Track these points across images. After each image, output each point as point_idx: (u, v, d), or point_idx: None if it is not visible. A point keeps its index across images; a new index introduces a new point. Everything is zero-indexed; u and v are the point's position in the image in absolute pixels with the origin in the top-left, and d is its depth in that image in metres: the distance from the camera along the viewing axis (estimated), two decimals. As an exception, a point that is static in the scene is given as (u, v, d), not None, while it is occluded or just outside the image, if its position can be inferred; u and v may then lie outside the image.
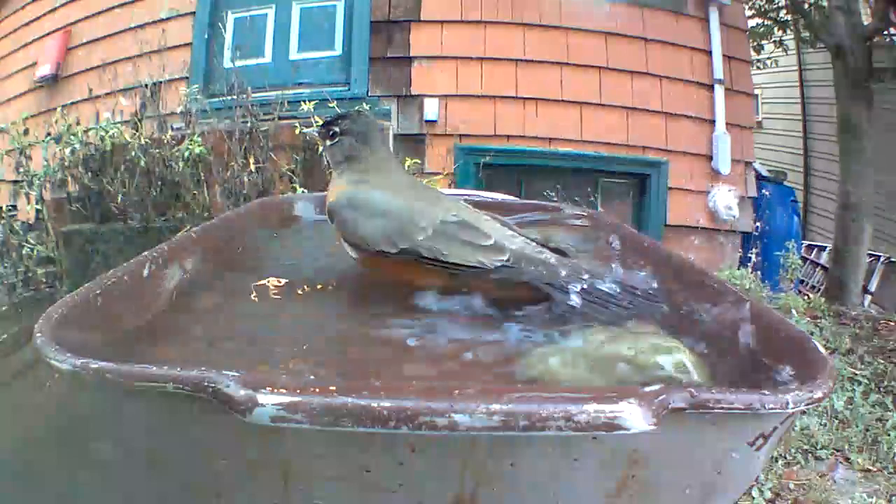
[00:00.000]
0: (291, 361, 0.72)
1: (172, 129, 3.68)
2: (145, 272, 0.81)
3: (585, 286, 0.80)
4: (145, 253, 0.83)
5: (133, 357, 0.59)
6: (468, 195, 1.67)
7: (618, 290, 0.81)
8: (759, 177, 4.70)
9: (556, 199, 3.88)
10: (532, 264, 0.82)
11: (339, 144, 0.96)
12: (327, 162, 0.99)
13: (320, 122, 1.01)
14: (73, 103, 4.30)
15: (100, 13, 4.57)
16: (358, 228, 0.88)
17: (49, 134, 3.72)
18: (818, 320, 3.65)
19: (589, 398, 0.48)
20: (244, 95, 3.57)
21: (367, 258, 0.88)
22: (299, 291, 0.93)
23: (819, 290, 5.61)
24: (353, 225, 0.88)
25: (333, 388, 0.49)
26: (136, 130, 3.59)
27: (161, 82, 4.00)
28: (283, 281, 0.96)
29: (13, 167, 3.72)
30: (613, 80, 4.28)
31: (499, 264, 0.81)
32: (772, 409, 0.51)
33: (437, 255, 0.83)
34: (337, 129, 0.96)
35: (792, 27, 6.57)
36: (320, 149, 1.03)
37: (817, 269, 6.33)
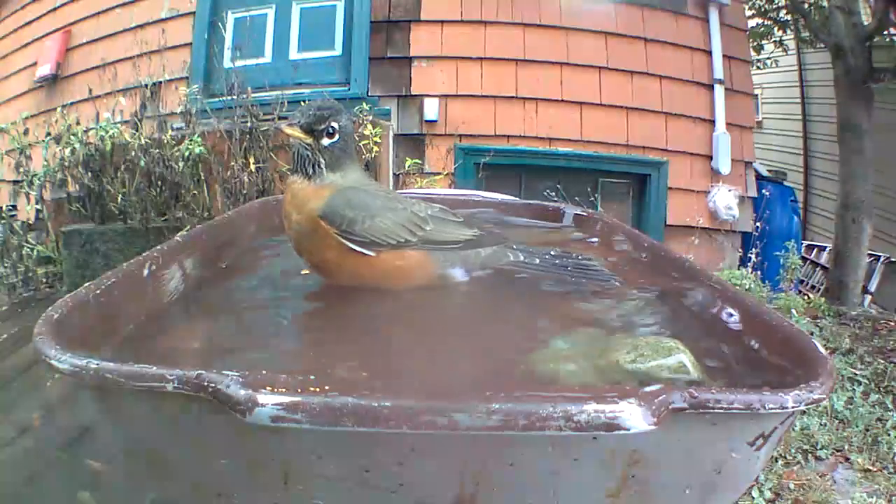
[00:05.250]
0: (293, 360, 0.72)
1: (172, 129, 3.68)
2: (145, 272, 0.81)
3: (523, 255, 0.96)
4: (145, 253, 0.83)
5: (133, 357, 0.59)
6: (468, 195, 1.67)
7: (552, 262, 0.95)
8: (759, 177, 4.70)
9: (556, 199, 3.88)
10: (489, 235, 0.96)
11: (339, 144, 0.89)
12: (316, 163, 0.89)
13: (300, 119, 0.89)
14: (73, 103, 4.30)
15: (100, 13, 4.57)
16: (375, 225, 0.86)
17: (49, 134, 3.72)
18: (818, 320, 3.65)
19: (589, 398, 0.48)
20: (244, 95, 3.56)
21: (382, 254, 0.86)
22: (300, 291, 0.93)
23: (819, 290, 5.61)
24: (366, 222, 0.86)
25: (333, 387, 0.49)
26: (136, 130, 3.59)
27: (161, 82, 4.00)
28: (284, 280, 0.96)
29: (13, 167, 3.72)
30: (613, 80, 4.28)
31: (472, 236, 0.94)
32: (772, 409, 0.51)
33: (445, 237, 0.91)
34: (336, 126, 0.89)
35: (792, 27, 6.57)
36: (300, 149, 0.89)
37: (817, 269, 6.32)
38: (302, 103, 0.98)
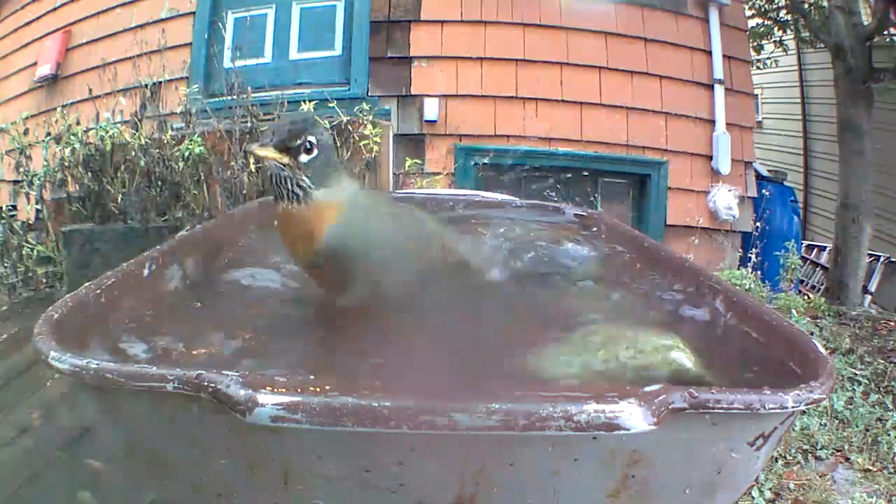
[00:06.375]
0: (292, 360, 0.72)
1: (172, 129, 3.68)
2: (145, 272, 0.81)
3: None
4: (145, 253, 0.83)
5: (133, 357, 0.59)
6: (468, 195, 1.67)
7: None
8: (759, 177, 4.70)
9: (556, 199, 3.87)
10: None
11: (321, 158, 0.81)
12: (298, 184, 0.79)
13: (271, 138, 0.79)
14: (73, 103, 4.29)
15: (100, 13, 4.56)
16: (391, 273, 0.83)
17: (49, 134, 3.71)
18: (818, 320, 3.65)
19: (589, 398, 0.48)
20: (244, 95, 3.56)
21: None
22: (299, 291, 0.93)
23: (819, 290, 5.61)
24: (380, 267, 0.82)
25: (333, 387, 0.49)
26: (136, 130, 3.59)
27: (161, 82, 3.99)
28: (284, 280, 0.96)
29: (13, 167, 3.72)
30: (613, 80, 4.27)
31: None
32: (772, 409, 0.51)
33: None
34: (313, 140, 0.80)
35: (792, 27, 6.57)
36: (278, 171, 0.78)
37: (817, 269, 6.32)
38: (302, 103, 0.97)
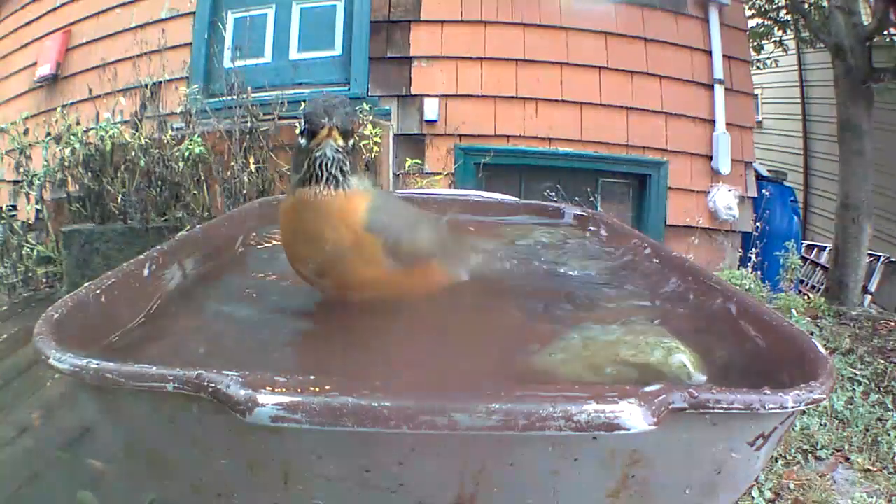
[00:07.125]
0: (292, 360, 0.72)
1: (172, 129, 3.68)
2: (145, 272, 0.81)
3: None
4: (145, 253, 0.83)
5: (133, 357, 0.59)
6: (468, 195, 1.67)
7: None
8: (759, 177, 4.70)
9: (556, 199, 3.88)
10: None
11: (354, 151, 0.79)
12: (343, 168, 0.76)
13: (334, 122, 0.75)
14: (73, 103, 4.29)
15: (100, 13, 4.57)
16: (416, 238, 0.82)
17: (49, 134, 3.71)
18: (818, 320, 3.65)
19: (589, 398, 0.48)
20: (244, 95, 3.56)
21: (416, 268, 0.82)
22: (299, 291, 0.93)
23: (819, 290, 5.61)
24: (408, 234, 0.81)
25: (333, 387, 0.49)
26: (136, 130, 3.59)
27: (161, 82, 3.99)
28: (283, 280, 0.96)
29: (13, 167, 3.72)
30: (613, 80, 4.28)
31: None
32: (772, 409, 0.51)
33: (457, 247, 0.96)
34: (355, 126, 0.79)
35: (792, 27, 6.57)
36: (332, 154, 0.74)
37: (817, 269, 6.33)
38: (302, 103, 0.97)
